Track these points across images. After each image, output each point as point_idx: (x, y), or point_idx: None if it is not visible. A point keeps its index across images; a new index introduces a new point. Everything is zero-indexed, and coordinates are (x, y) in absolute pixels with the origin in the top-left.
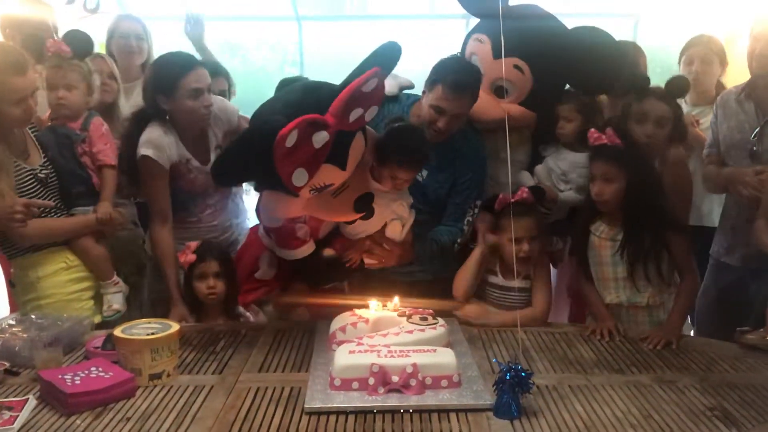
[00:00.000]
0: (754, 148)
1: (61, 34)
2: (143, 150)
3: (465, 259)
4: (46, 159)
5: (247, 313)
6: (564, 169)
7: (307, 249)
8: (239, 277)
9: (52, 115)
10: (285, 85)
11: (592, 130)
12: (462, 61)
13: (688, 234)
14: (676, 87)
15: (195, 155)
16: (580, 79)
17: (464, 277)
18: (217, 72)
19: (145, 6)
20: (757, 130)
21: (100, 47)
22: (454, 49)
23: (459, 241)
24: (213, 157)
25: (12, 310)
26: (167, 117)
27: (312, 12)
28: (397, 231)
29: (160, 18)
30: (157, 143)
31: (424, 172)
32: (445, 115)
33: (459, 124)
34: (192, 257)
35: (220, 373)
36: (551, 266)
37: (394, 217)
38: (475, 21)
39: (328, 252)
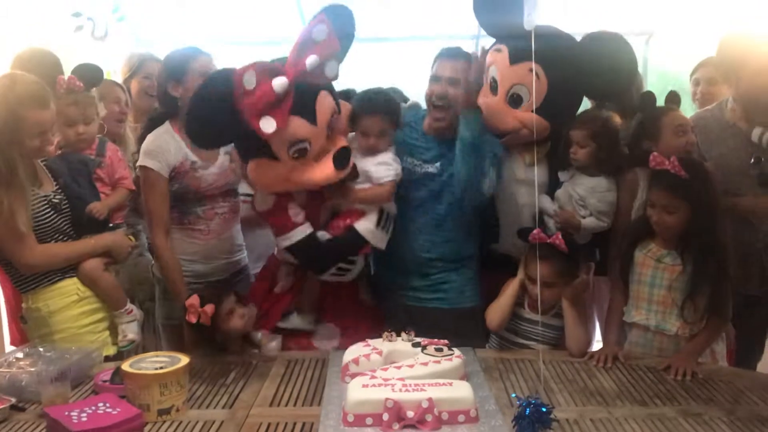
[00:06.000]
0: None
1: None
2: (141, 160)
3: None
4: (57, 186)
5: (263, 340)
6: (581, 195)
7: (304, 230)
8: (259, 301)
9: (67, 148)
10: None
11: (655, 153)
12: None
13: (733, 278)
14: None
15: (201, 155)
16: (593, 84)
17: (500, 308)
18: None
19: (157, 34)
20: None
21: (107, 75)
22: None
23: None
24: (221, 159)
25: (15, 344)
26: (177, 112)
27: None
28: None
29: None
30: (155, 152)
31: (437, 163)
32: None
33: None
34: (210, 308)
35: (230, 408)
36: None
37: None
38: (482, 42)
39: (323, 234)
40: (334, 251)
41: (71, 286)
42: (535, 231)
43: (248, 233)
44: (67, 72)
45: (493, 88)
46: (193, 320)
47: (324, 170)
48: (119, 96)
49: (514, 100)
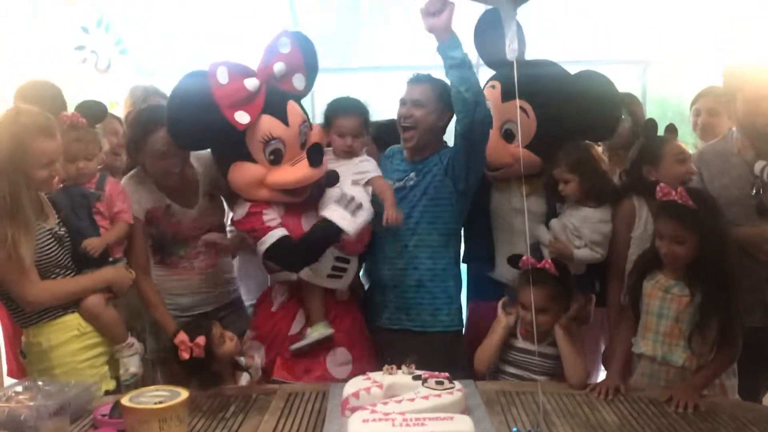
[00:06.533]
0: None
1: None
2: None
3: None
4: (59, 219)
5: (247, 361)
6: (576, 225)
7: (277, 233)
8: (260, 324)
9: (68, 182)
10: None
11: (661, 184)
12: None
13: (741, 308)
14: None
15: (177, 199)
16: (582, 122)
17: (488, 351)
18: None
19: (159, 65)
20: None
21: (110, 106)
22: None
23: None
24: (201, 202)
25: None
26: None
27: (322, 64)
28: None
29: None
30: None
31: (412, 174)
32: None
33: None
34: (202, 338)
35: None
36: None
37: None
38: (483, 72)
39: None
40: (309, 245)
41: (72, 320)
42: (524, 257)
43: (247, 262)
44: (71, 104)
45: None
46: (186, 356)
47: (299, 170)
48: (116, 128)
49: (507, 136)
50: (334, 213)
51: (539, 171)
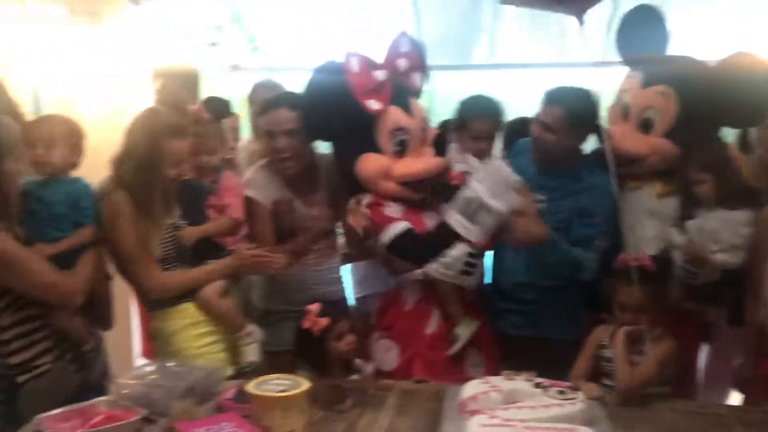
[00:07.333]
0: None
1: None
2: (245, 190)
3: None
4: (179, 213)
5: (365, 365)
6: (715, 227)
7: (404, 224)
8: (392, 322)
9: (189, 176)
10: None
11: None
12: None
13: None
14: None
15: (301, 196)
16: (729, 105)
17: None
18: None
19: (286, 61)
20: None
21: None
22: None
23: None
24: (320, 204)
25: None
26: None
27: (439, 61)
28: None
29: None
30: (256, 183)
31: (538, 195)
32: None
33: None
34: (324, 321)
35: None
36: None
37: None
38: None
39: None
40: (431, 242)
41: (188, 309)
42: (621, 255)
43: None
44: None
45: (625, 114)
46: (306, 325)
47: (426, 160)
48: (233, 124)
49: (645, 125)
50: (451, 218)
51: (674, 167)
